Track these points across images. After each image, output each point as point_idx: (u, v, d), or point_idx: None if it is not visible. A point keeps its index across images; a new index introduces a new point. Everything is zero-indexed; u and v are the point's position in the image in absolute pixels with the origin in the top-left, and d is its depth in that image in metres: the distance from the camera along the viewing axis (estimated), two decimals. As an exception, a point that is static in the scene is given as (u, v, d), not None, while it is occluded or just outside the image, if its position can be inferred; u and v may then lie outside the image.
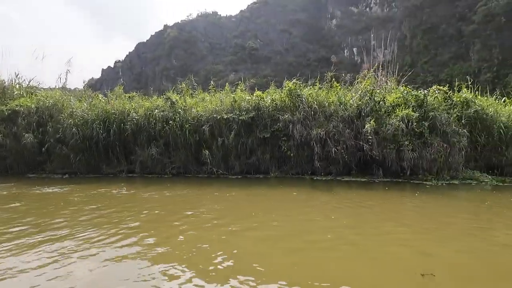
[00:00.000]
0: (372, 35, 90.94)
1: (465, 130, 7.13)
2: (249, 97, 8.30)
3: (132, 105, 8.87)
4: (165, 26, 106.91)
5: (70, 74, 11.04)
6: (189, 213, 4.28)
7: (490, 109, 7.68)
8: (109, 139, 8.37)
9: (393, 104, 7.62)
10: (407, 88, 7.75)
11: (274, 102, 8.21)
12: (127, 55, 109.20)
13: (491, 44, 69.46)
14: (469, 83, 8.35)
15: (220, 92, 9.17)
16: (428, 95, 7.56)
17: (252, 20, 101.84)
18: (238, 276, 2.28)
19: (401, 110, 7.10)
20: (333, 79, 8.55)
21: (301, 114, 7.58)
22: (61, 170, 8.83)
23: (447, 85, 8.29)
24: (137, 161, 8.58)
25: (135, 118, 8.39)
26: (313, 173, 7.84)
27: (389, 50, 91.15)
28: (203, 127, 7.97)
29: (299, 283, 2.18)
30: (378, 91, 7.58)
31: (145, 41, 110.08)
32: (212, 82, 9.79)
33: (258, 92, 8.41)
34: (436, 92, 7.90)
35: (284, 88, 8.24)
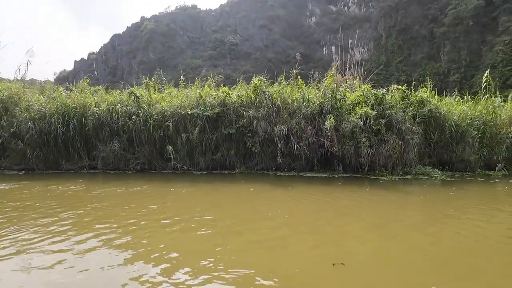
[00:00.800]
0: (349, 34, 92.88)
1: (419, 128, 7.52)
2: (215, 93, 8.27)
3: (94, 99, 8.58)
4: (142, 18, 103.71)
5: (32, 65, 10.49)
6: (126, 208, 4.24)
7: (444, 108, 8.12)
8: (68, 134, 8.08)
9: (354, 102, 7.89)
10: (368, 87, 8.03)
11: (240, 99, 8.25)
12: (101, 47, 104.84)
13: (459, 46, 73.06)
14: (426, 84, 8.78)
15: (190, 87, 9.07)
16: (387, 94, 7.88)
17: (232, 14, 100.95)
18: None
19: (361, 108, 7.36)
20: (299, 76, 8.70)
21: (265, 110, 7.67)
22: (18, 166, 8.43)
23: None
24: (99, 156, 8.35)
25: (97, 113, 8.14)
26: (278, 169, 7.99)
27: (366, 49, 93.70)
28: (167, 123, 7.87)
29: (223, 271, 2.24)
30: (341, 89, 7.78)
31: (121, 33, 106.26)
32: (182, 77, 9.64)
33: (224, 88, 8.40)
34: (394, 91, 8.26)
35: (250, 85, 8.28)
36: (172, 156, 7.78)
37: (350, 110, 7.59)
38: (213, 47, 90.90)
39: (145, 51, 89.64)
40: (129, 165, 8.32)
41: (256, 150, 7.87)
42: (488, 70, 9.49)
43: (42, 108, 8.09)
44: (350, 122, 7.04)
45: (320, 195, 5.34)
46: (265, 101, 7.76)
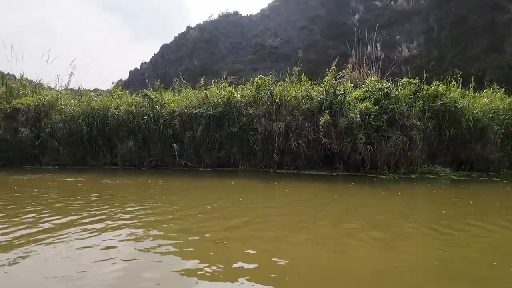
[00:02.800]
0: (396, 29, 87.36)
1: (429, 123, 6.96)
2: (220, 93, 8.59)
3: (115, 102, 9.48)
4: (188, 28, 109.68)
5: (78, 75, 11.96)
6: (105, 198, 4.68)
7: (463, 102, 7.40)
8: (92, 134, 9.03)
9: (359, 98, 7.60)
10: (373, 81, 7.67)
11: (244, 97, 8.45)
12: (152, 56, 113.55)
13: (528, 34, 64.20)
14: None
15: (202, 89, 9.48)
16: (394, 89, 7.44)
17: (272, 18, 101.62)
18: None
19: (362, 104, 7.07)
20: (303, 73, 8.63)
21: (264, 108, 7.76)
22: (54, 162, 9.65)
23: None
24: (119, 154, 9.19)
25: (116, 114, 8.98)
26: (280, 167, 8.00)
27: (415, 44, 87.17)
28: (174, 122, 8.39)
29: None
30: (341, 85, 7.53)
31: (169, 42, 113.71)
32: (201, 79, 10.14)
33: (228, 88, 8.68)
34: (406, 84, 7.76)
35: (252, 83, 8.45)
36: (176, 153, 8.25)
37: (352, 106, 7.33)
38: (254, 51, 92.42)
39: (190, 59, 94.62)
40: (143, 162, 9.02)
41: (257, 148, 7.99)
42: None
43: (71, 111, 9.17)
44: (347, 118, 6.80)
45: (297, 191, 5.30)
46: (264, 99, 7.85)
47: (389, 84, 7.42)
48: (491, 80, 8.04)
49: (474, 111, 7.22)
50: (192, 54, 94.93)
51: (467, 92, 8.07)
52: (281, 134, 7.48)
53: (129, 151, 8.90)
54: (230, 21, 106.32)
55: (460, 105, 7.21)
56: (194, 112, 8.26)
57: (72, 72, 12.08)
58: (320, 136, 7.23)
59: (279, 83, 8.58)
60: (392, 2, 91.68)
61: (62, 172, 8.09)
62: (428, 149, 7.18)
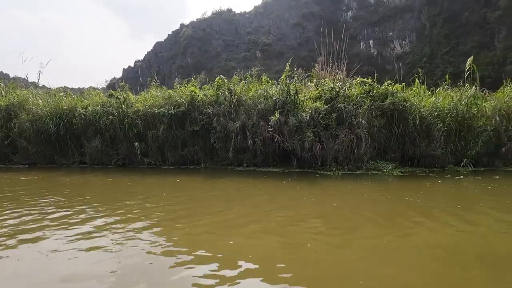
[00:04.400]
0: (389, 26, 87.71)
1: (377, 122, 7.25)
2: (183, 92, 8.83)
3: (84, 102, 9.69)
4: (181, 25, 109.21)
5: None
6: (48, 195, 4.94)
7: (412, 101, 7.69)
8: (60, 133, 9.23)
9: (313, 97, 7.89)
10: (327, 81, 7.94)
11: (206, 97, 8.69)
12: (146, 54, 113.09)
13: (518, 31, 64.81)
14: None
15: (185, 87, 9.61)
16: (347, 88, 7.71)
17: (265, 15, 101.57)
18: None
19: (313, 103, 7.34)
20: (264, 73, 8.88)
21: (222, 107, 8.01)
22: (24, 161, 9.85)
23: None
24: (88, 152, 9.40)
25: (83, 114, 9.19)
26: (240, 164, 8.26)
27: (407, 41, 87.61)
28: (137, 121, 8.62)
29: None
30: (292, 85, 7.77)
31: (163, 40, 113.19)
32: (177, 79, 10.37)
33: (191, 87, 8.91)
34: (360, 84, 8.04)
35: (214, 83, 8.69)
36: (138, 152, 8.49)
37: (304, 105, 7.60)
38: (247, 49, 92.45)
39: (184, 56, 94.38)
40: (111, 160, 9.25)
41: (217, 146, 8.24)
42: (472, 57, 8.66)
43: (39, 111, 9.36)
44: (296, 117, 7.08)
45: (234, 186, 5.62)
46: (222, 98, 8.10)
47: (340, 84, 7.68)
48: (482, 76, 8.28)
49: (422, 110, 7.51)
50: (186, 51, 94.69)
51: (426, 90, 8.37)
52: (239, 133, 7.74)
53: (96, 149, 9.13)
54: (223, 18, 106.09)
55: (408, 104, 7.49)
56: (156, 111, 8.48)
57: (40, 71, 12.26)
58: (274, 134, 7.50)
59: (241, 82, 8.83)
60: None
61: (27, 171, 8.31)
62: (377, 146, 7.48)
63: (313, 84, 8.89)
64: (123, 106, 9.16)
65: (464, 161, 7.04)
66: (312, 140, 6.94)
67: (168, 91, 9.06)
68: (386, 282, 2.15)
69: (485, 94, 8.31)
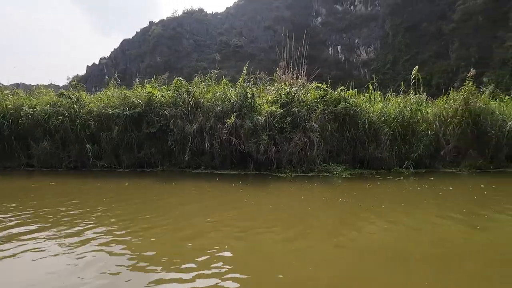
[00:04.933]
0: (356, 33, 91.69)
1: (329, 126, 7.57)
2: (140, 93, 8.61)
3: (30, 101, 9.11)
4: (150, 23, 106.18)
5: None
6: None
7: (366, 106, 8.13)
8: (4, 133, 8.60)
9: (270, 101, 8.05)
10: (284, 85, 8.15)
11: (164, 98, 8.54)
12: (112, 51, 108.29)
13: (469, 42, 70.58)
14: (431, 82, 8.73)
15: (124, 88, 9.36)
16: (303, 93, 7.98)
17: (237, 17, 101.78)
18: None
19: (270, 107, 7.51)
20: (223, 75, 8.92)
21: (179, 109, 7.93)
22: (-35, 164, 9.04)
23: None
24: (35, 155, 8.83)
25: (30, 114, 8.63)
26: (198, 167, 8.21)
27: (372, 48, 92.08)
28: (89, 122, 8.27)
29: None
30: (249, 89, 7.89)
31: (130, 37, 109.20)
32: (138, 79, 10.02)
33: (149, 88, 8.72)
34: (315, 89, 8.35)
35: (172, 85, 8.57)
36: (90, 154, 8.15)
37: (261, 109, 7.74)
38: (219, 50, 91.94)
39: (153, 55, 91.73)
40: (62, 163, 8.76)
41: (174, 148, 8.13)
42: (417, 66, 9.34)
43: (-21, 110, 8.66)
44: (252, 120, 7.19)
45: (182, 189, 5.61)
46: (179, 100, 8.02)
47: (295, 88, 7.92)
48: (438, 83, 8.84)
49: (371, 115, 7.95)
50: (155, 50, 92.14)
51: (378, 96, 8.87)
52: (196, 135, 7.70)
53: (45, 152, 8.61)
54: (194, 18, 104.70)
55: (359, 109, 7.90)
56: (110, 112, 8.19)
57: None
58: (231, 137, 7.56)
59: (200, 85, 8.79)
60: (351, 7, 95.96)
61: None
62: (330, 149, 7.81)
63: (273, 88, 9.08)
64: (75, 106, 8.74)
65: (406, 163, 7.55)
66: (267, 143, 7.09)
67: (124, 91, 8.79)
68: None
69: (428, 101, 8.99)
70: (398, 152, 7.76)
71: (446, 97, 8.65)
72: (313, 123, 7.27)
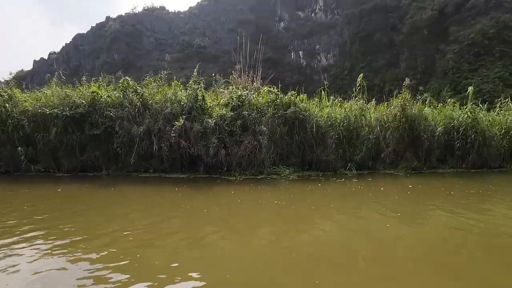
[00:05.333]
0: (316, 40, 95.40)
1: (278, 129, 7.75)
2: (82, 93, 8.10)
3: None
4: (107, 18, 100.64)
5: None
6: None
7: (312, 110, 8.44)
8: None
9: (222, 104, 8.04)
10: (235, 88, 8.20)
11: (110, 98, 8.11)
12: (63, 46, 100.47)
13: (416, 53, 76.99)
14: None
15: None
16: (249, 96, 8.06)
17: (201, 17, 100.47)
18: None
19: (220, 109, 7.48)
20: (174, 77, 8.73)
21: (125, 110, 7.59)
22: None
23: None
24: (-43, 159, 7.87)
25: (-49, 112, 7.69)
26: (146, 171, 7.90)
27: (332, 55, 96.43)
28: (23, 122, 7.59)
29: None
30: (199, 92, 7.81)
31: (84, 32, 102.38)
32: (84, 78, 9.30)
33: (94, 88, 8.23)
34: (267, 93, 8.50)
35: (118, 85, 8.19)
36: (22, 158, 7.48)
37: (211, 111, 7.70)
38: (181, 49, 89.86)
39: (109, 52, 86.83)
40: (-10, 167, 7.91)
41: (120, 151, 7.75)
42: (361, 74, 9.96)
43: None
44: (202, 123, 7.12)
45: (119, 194, 5.41)
46: (126, 101, 7.69)
47: (246, 92, 8.01)
48: (390, 90, 9.46)
49: (319, 119, 8.29)
50: (112, 47, 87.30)
51: (327, 101, 9.28)
52: (143, 137, 7.42)
53: (-32, 155, 7.71)
54: (156, 15, 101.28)
55: (308, 114, 8.20)
56: (48, 112, 7.59)
57: None
58: (180, 140, 7.40)
59: (150, 85, 8.50)
60: (312, 14, 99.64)
61: None
62: (280, 152, 7.99)
63: (227, 91, 9.08)
64: (6, 105, 7.95)
65: (349, 165, 7.99)
66: (216, 146, 7.06)
67: (66, 90, 8.20)
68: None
69: (375, 106, 9.61)
70: (343, 155, 8.17)
71: (387, 104, 9.31)
72: (262, 126, 7.38)
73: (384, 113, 9.00)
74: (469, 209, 4.50)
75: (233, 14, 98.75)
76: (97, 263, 2.58)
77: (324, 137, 8.15)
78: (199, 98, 7.61)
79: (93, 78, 9.05)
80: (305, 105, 8.49)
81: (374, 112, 9.22)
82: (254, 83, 10.48)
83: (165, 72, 8.57)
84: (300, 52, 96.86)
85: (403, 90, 9.03)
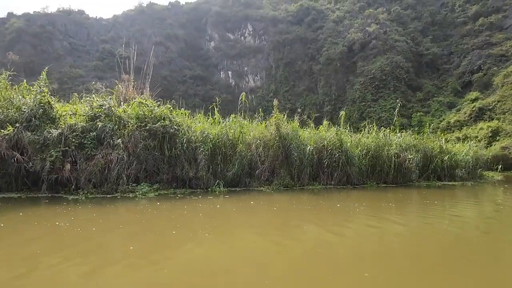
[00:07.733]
0: (245, 62, 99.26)
1: (143, 143, 7.22)
2: None
3: None
4: (9, 14, 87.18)
5: None
6: None
7: (184, 125, 8.21)
8: None
9: (80, 113, 7.17)
10: (96, 98, 7.46)
11: None
12: None
13: (331, 82, 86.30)
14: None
15: None
16: (110, 106, 7.43)
17: (126, 27, 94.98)
18: None
19: (71, 120, 6.62)
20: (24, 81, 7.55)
21: None
22: None
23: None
24: None
25: None
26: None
27: (259, 77, 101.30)
28: None
29: None
30: (47, 96, 6.88)
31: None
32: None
33: None
34: (139, 104, 7.95)
35: None
36: None
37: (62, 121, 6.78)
38: (101, 58, 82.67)
39: (8, 52, 74.44)
40: None
41: None
42: (244, 94, 10.26)
43: None
44: (41, 133, 6.16)
45: None
46: None
47: (109, 101, 7.35)
48: (309, 113, 9.94)
49: (191, 135, 8.06)
50: (13, 47, 75.19)
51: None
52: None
53: None
54: (72, 19, 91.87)
55: (180, 128, 7.90)
56: None
57: None
58: (14, 152, 6.24)
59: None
60: (242, 38, 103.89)
61: None
62: (146, 168, 7.43)
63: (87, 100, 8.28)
64: None
65: (217, 182, 7.87)
66: (58, 160, 6.13)
67: None
68: None
69: (255, 124, 9.90)
70: (214, 172, 8.03)
71: (266, 123, 9.68)
72: (119, 139, 6.75)
73: (261, 132, 9.30)
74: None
75: (161, 28, 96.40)
76: None
77: (195, 153, 7.92)
78: (43, 104, 6.62)
79: None
80: (179, 120, 8.21)
81: (253, 131, 9.47)
82: (143, 95, 9.97)
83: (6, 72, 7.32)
84: (229, 72, 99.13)
85: (284, 113, 9.60)
